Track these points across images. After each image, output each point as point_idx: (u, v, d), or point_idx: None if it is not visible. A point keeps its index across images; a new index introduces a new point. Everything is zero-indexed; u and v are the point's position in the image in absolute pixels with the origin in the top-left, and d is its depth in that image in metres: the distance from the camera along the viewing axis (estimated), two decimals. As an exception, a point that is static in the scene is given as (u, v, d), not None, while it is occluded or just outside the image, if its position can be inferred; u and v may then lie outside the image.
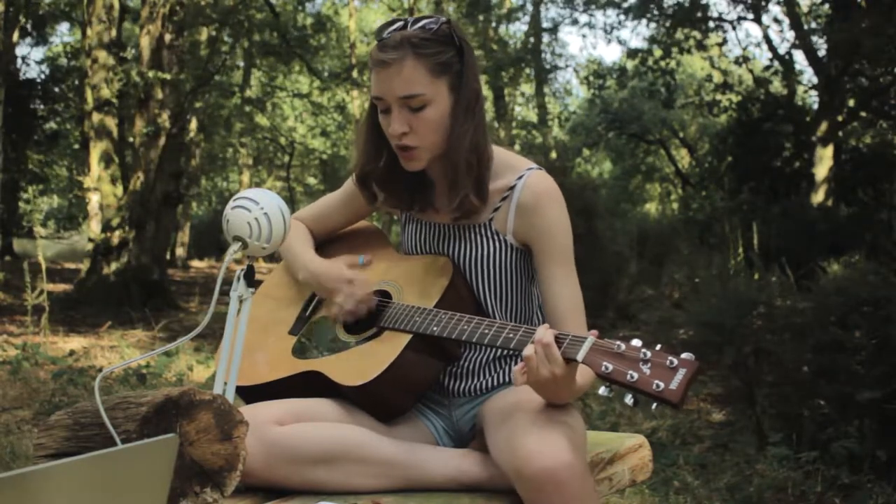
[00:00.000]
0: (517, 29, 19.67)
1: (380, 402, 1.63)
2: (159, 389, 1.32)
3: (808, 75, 15.52)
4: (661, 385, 1.26)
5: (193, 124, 14.43)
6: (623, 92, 16.00)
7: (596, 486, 1.65)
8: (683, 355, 1.29)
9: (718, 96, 13.49)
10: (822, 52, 11.70)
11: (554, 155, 14.11)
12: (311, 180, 23.57)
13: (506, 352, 1.70)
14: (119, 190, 10.12)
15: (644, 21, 14.12)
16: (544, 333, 1.39)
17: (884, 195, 10.51)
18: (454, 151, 1.61)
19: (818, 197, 10.53)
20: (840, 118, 11.24)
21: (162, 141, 9.91)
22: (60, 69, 16.84)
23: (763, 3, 12.82)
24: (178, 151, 10.64)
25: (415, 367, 1.62)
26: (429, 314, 1.60)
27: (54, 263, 14.47)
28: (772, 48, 12.94)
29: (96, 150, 10.08)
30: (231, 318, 1.42)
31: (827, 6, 11.94)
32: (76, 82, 14.96)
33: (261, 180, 22.63)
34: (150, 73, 9.62)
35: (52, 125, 16.54)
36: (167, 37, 9.90)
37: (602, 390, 1.36)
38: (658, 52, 13.36)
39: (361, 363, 1.61)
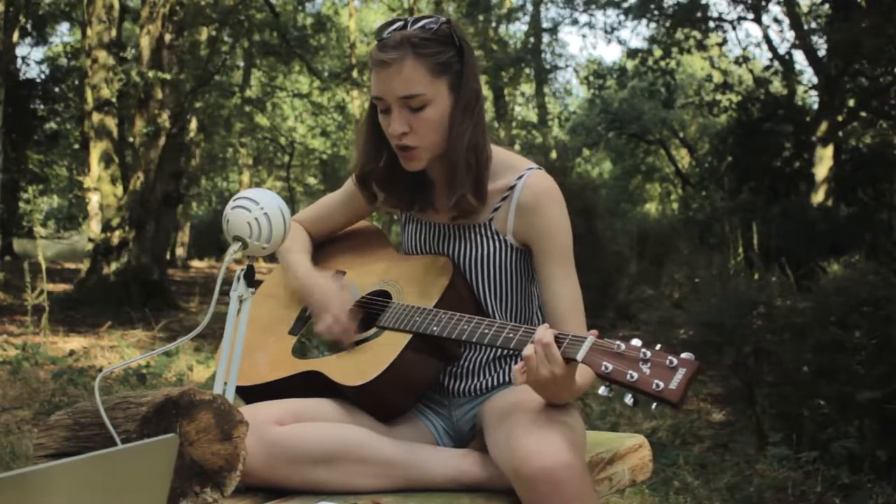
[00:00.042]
0: (517, 29, 19.70)
1: (380, 402, 1.63)
2: (159, 389, 1.32)
3: (808, 75, 15.54)
4: (661, 385, 1.26)
5: (193, 124, 14.43)
6: (623, 92, 16.00)
7: (595, 486, 1.65)
8: (683, 355, 1.29)
9: (718, 96, 13.49)
10: (822, 52, 11.70)
11: (554, 155, 14.12)
12: (311, 180, 23.57)
13: (506, 352, 1.70)
14: (119, 190, 10.12)
15: (644, 21, 14.12)
16: (544, 333, 1.39)
17: (884, 195, 10.51)
18: (453, 151, 1.61)
19: (818, 197, 10.53)
20: (840, 118, 11.25)
21: (162, 141, 9.91)
22: (60, 69, 16.83)
23: (763, 3, 12.82)
24: (178, 151, 10.64)
25: (415, 367, 1.62)
26: (429, 314, 1.60)
27: (54, 263, 14.47)
28: (772, 48, 12.94)
29: (96, 150, 10.08)
30: (231, 318, 1.42)
31: (827, 6, 11.94)
32: (76, 82, 14.96)
33: (261, 180, 22.63)
34: (150, 73, 9.62)
35: (52, 125, 16.53)
36: (167, 37, 9.90)
37: (602, 390, 1.36)
38: (658, 52, 13.36)
39: (361, 363, 1.61)
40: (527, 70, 17.09)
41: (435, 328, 1.57)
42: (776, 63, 12.80)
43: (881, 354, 3.73)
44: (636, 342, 1.32)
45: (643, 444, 1.80)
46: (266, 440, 1.49)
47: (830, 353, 3.92)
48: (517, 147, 15.90)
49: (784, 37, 19.29)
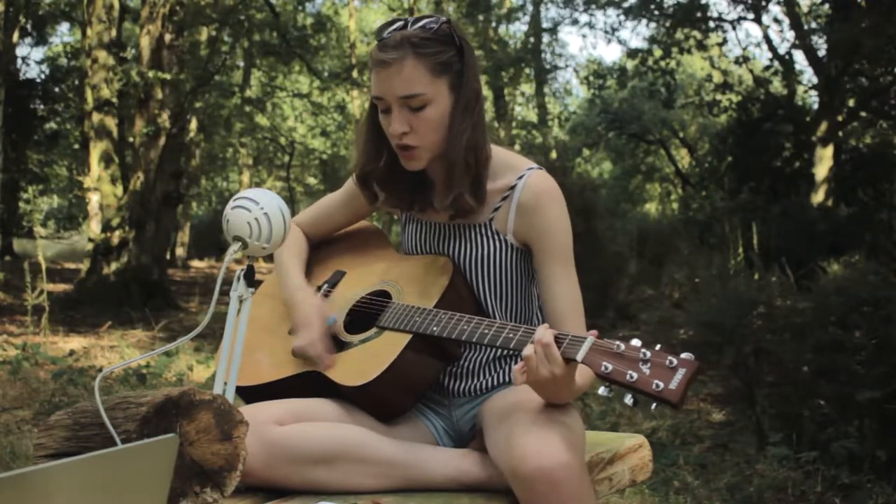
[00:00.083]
0: (517, 29, 19.70)
1: (380, 402, 1.63)
2: (159, 389, 1.32)
3: (808, 75, 15.54)
4: (661, 385, 1.26)
5: (193, 124, 14.44)
6: (623, 92, 16.00)
7: (595, 486, 1.65)
8: (683, 355, 1.29)
9: (718, 96, 13.49)
10: (822, 52, 11.70)
11: (554, 155, 14.11)
12: (311, 180, 23.57)
13: (506, 352, 1.70)
14: (119, 190, 10.12)
15: (644, 21, 14.12)
16: (544, 333, 1.39)
17: (884, 195, 10.50)
18: (452, 150, 1.61)
19: (818, 197, 10.53)
20: (840, 118, 11.24)
21: (162, 141, 9.91)
22: (60, 69, 16.83)
23: (763, 3, 12.81)
24: (178, 151, 10.64)
25: (415, 367, 1.62)
26: (429, 314, 1.60)
27: (54, 263, 14.47)
28: (772, 48, 12.94)
29: (96, 150, 10.09)
30: (231, 318, 1.42)
31: (827, 6, 11.94)
32: (76, 82, 14.96)
33: (261, 180, 22.63)
34: (150, 73, 9.62)
35: (52, 125, 16.53)
36: (167, 37, 9.90)
37: (602, 390, 1.36)
38: (658, 52, 13.36)
39: (361, 363, 1.61)
40: (527, 70, 17.09)
41: (435, 328, 1.57)
42: (776, 63, 12.80)
43: (881, 354, 3.73)
44: (636, 342, 1.32)
45: (643, 444, 1.80)
46: (266, 440, 1.49)
47: (830, 353, 3.92)
48: (517, 147, 15.90)
49: (784, 37, 19.31)
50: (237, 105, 14.79)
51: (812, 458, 3.49)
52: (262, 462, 1.49)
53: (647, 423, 4.37)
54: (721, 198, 11.45)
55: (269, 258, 1.76)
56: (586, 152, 17.78)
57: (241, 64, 16.70)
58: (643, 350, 1.30)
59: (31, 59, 32.94)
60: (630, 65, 14.46)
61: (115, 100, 10.13)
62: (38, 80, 16.50)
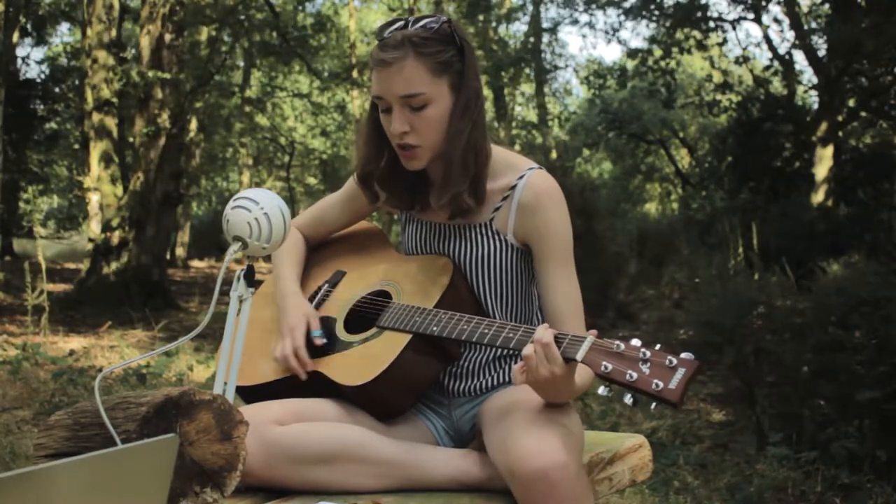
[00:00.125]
0: (517, 29, 19.70)
1: (380, 402, 1.63)
2: (159, 389, 1.32)
3: (808, 75, 15.53)
4: (661, 384, 1.26)
5: (193, 124, 14.44)
6: (623, 92, 15.99)
7: (595, 486, 1.65)
8: (683, 355, 1.29)
9: (718, 96, 13.49)
10: (822, 52, 11.69)
11: (554, 155, 14.11)
12: (311, 180, 23.57)
13: (506, 352, 1.70)
14: (119, 190, 10.12)
15: (644, 21, 14.11)
16: (544, 333, 1.39)
17: (884, 195, 10.50)
18: (452, 149, 1.61)
19: (818, 197, 10.53)
20: (840, 118, 11.24)
21: (162, 141, 9.91)
22: (60, 69, 16.83)
23: (763, 3, 12.81)
24: (178, 151, 10.64)
25: (415, 367, 1.62)
26: (429, 314, 1.60)
27: (54, 263, 14.47)
28: (772, 48, 12.94)
29: (96, 150, 10.08)
30: (231, 318, 1.42)
31: (827, 6, 11.94)
32: (76, 82, 14.96)
33: (261, 180, 22.62)
34: (150, 73, 9.62)
35: (52, 125, 16.53)
36: (167, 37, 9.90)
37: (601, 390, 1.36)
38: (658, 52, 13.35)
39: (361, 363, 1.61)
40: (527, 70, 17.09)
41: (435, 328, 1.57)
42: (776, 63, 12.79)
43: (881, 354, 3.73)
44: (636, 342, 1.32)
45: (643, 444, 1.80)
46: (266, 440, 1.50)
47: (830, 353, 3.93)
48: (517, 147, 15.90)
49: (784, 37, 19.29)
50: (237, 105, 14.81)
51: (812, 458, 3.49)
52: (263, 462, 1.49)
53: (647, 423, 4.37)
54: (721, 198, 11.46)
55: (270, 258, 1.76)
56: (586, 152, 17.78)
57: (241, 64, 16.71)
58: (643, 350, 1.30)
59: (31, 59, 32.92)
60: (630, 65, 14.45)
61: (115, 100, 10.13)
62: (38, 80, 16.49)
